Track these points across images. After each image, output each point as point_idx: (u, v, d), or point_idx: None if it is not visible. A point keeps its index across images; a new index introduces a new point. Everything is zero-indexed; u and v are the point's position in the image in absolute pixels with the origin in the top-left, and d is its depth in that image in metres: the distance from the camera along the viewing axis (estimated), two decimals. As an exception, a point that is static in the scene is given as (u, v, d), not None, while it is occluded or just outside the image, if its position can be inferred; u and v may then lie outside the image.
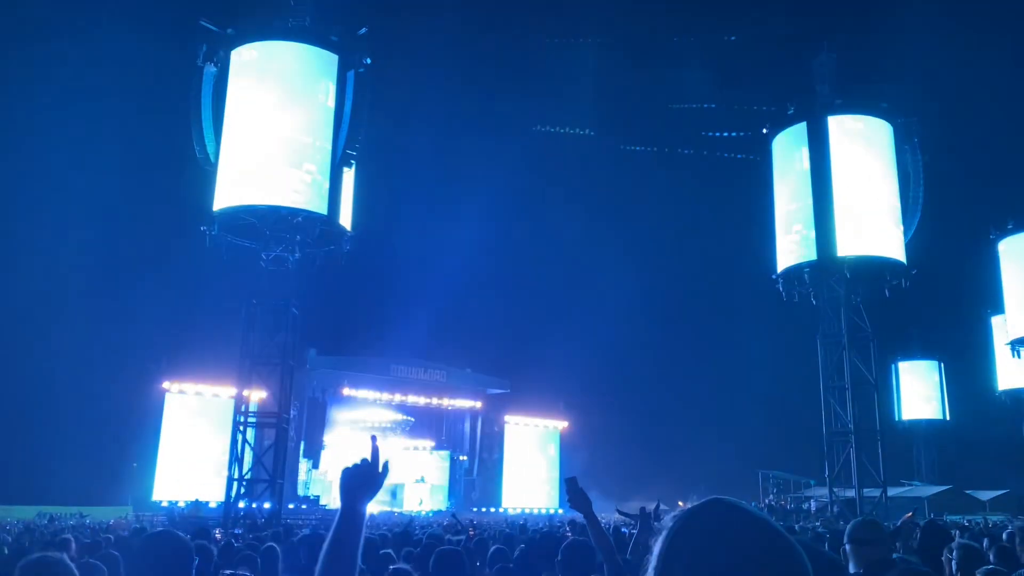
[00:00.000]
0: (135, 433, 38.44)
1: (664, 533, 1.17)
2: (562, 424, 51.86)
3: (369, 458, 2.01)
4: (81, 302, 40.56)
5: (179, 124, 26.37)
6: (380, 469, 2.01)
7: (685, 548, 1.12)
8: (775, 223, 32.58)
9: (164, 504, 35.03)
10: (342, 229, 26.59)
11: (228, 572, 3.25)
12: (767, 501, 40.54)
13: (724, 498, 1.20)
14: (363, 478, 1.98)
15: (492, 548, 6.67)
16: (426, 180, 51.21)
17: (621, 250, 55.21)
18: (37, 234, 42.65)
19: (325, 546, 1.93)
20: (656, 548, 1.16)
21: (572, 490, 3.84)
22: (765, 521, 1.16)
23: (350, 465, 2.02)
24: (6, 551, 8.69)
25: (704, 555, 1.10)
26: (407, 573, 4.27)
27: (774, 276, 32.11)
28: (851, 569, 3.85)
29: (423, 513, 38.74)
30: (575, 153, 55.06)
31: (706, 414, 51.50)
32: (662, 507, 4.82)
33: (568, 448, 51.05)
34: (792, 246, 31.47)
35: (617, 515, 5.36)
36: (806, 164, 31.04)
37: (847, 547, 3.96)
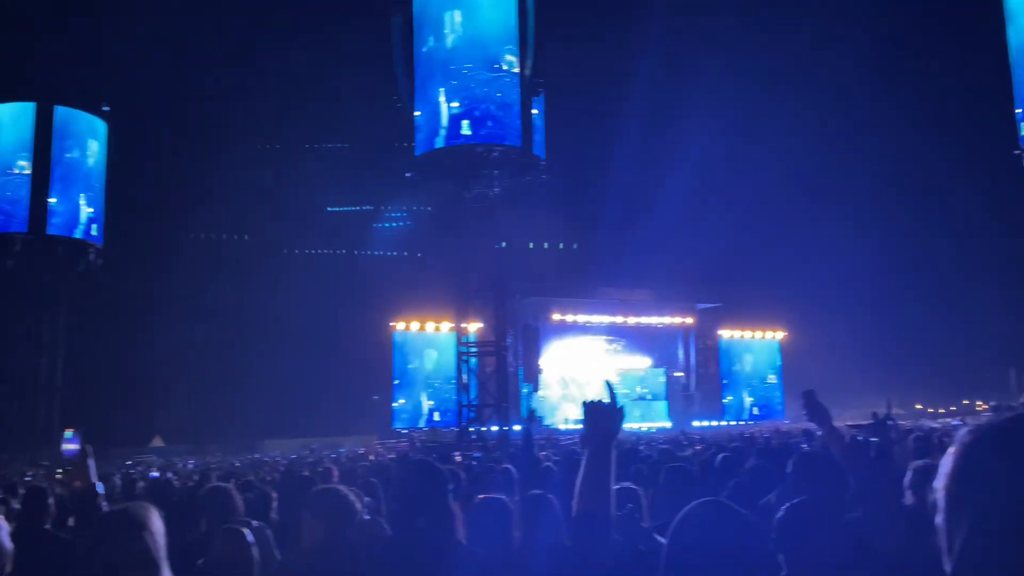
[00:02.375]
0: (373, 369, 42.10)
1: (956, 449, 1.06)
2: (781, 334, 50.02)
3: (607, 399, 2.04)
4: (316, 260, 44.77)
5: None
6: (617, 412, 2.03)
7: (983, 469, 1.01)
8: (1014, 87, 28.52)
9: (404, 432, 38.13)
10: (537, 159, 26.86)
11: (482, 496, 3.47)
12: (1022, 400, 36.94)
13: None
14: (604, 423, 2.02)
15: (719, 457, 6.64)
16: (638, 100, 49.18)
17: (844, 135, 51.00)
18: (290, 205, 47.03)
19: (577, 489, 1.99)
20: (946, 465, 1.06)
21: (809, 403, 3.68)
22: None
23: (590, 410, 2.06)
24: (282, 481, 9.91)
25: (1006, 477, 0.99)
26: (632, 490, 4.33)
27: (1017, 151, 28.42)
28: None
29: (645, 430, 39.26)
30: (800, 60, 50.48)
31: (946, 310, 47.25)
32: (886, 409, 4.47)
33: (790, 358, 49.23)
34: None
35: (847, 427, 5.03)
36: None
37: None
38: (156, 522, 2.18)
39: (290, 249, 49.57)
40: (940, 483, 1.06)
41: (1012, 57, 28.65)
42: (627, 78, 47.52)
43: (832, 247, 48.23)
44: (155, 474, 12.08)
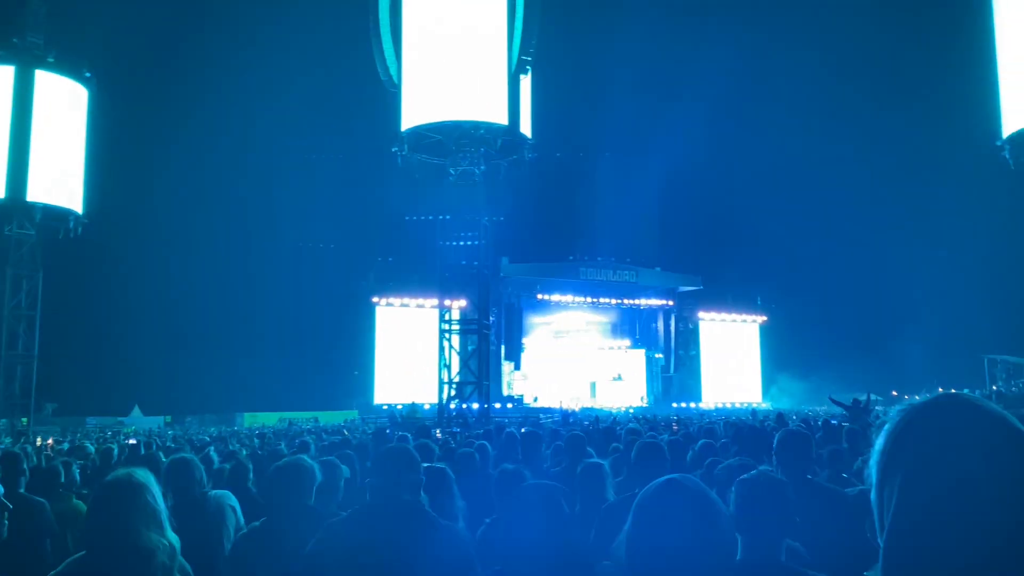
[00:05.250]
0: (354, 345, 42.11)
1: (888, 428, 1.09)
2: (760, 319, 50.43)
3: None
4: (297, 233, 44.47)
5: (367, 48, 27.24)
6: None
7: (911, 446, 1.04)
8: (998, 78, 28.55)
9: (385, 407, 38.21)
10: (523, 138, 26.75)
11: (427, 465, 3.59)
12: (994, 388, 37.50)
13: (959, 393, 1.09)
14: None
15: (699, 443, 6.73)
16: (620, 84, 48.83)
17: (819, 122, 51.05)
18: (249, 171, 46.60)
19: None
20: (879, 443, 1.09)
21: (852, 409, 3.82)
22: (1005, 419, 1.03)
23: None
24: (258, 452, 9.94)
25: (932, 455, 1.01)
26: (599, 466, 4.43)
27: (999, 142, 28.54)
28: None
29: (623, 410, 39.56)
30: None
31: (922, 297, 47.73)
32: (873, 398, 4.60)
33: (769, 342, 49.71)
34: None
35: (831, 402, 5.13)
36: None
37: None
38: (154, 484, 2.58)
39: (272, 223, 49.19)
40: (873, 460, 1.10)
41: (1000, 64, 28.40)
42: (613, 58, 47.46)
43: (813, 235, 48.60)
44: (133, 441, 12.07)
